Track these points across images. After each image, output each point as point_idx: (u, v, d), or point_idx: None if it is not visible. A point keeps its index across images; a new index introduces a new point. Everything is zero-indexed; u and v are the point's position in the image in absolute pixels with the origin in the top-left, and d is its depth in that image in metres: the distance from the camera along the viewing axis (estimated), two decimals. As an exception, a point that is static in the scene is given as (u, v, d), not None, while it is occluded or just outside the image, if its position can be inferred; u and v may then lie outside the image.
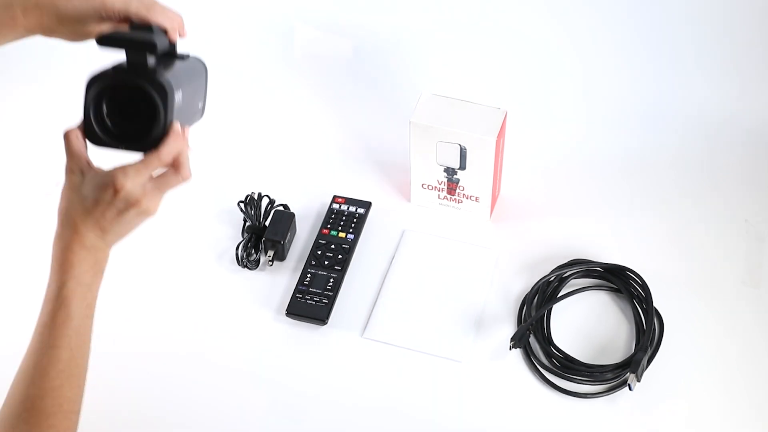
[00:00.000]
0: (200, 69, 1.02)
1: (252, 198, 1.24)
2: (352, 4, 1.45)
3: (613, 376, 1.07)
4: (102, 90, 0.86)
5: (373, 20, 1.45)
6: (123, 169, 0.85)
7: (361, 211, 1.25)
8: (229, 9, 1.49)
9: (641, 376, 1.05)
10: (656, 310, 1.13)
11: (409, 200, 1.29)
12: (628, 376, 1.04)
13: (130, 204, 0.86)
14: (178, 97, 0.85)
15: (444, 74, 1.44)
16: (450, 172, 1.22)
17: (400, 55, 1.45)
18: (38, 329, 0.86)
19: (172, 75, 0.87)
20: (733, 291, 1.17)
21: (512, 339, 1.09)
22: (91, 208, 0.87)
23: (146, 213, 0.87)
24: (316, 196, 1.29)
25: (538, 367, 1.09)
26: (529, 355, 1.10)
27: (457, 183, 1.22)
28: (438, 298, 1.17)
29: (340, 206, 1.26)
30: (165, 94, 0.83)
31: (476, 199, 1.24)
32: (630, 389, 1.04)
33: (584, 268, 1.17)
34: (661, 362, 1.09)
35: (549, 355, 1.10)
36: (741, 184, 1.29)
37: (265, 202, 1.25)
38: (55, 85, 1.48)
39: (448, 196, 1.25)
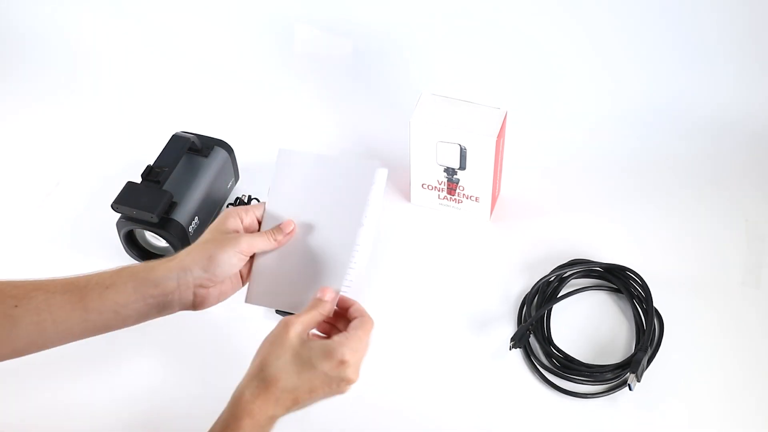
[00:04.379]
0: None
1: (241, 201, 1.23)
2: (352, 4, 1.45)
3: (613, 376, 1.07)
4: None
5: (373, 20, 1.45)
6: (346, 341, 0.85)
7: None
8: (229, 9, 1.49)
9: (641, 376, 1.05)
10: (656, 310, 1.13)
11: (409, 200, 1.29)
12: (628, 376, 1.04)
13: (347, 380, 0.85)
14: None
15: (444, 74, 1.43)
16: (450, 172, 1.22)
17: (400, 55, 1.45)
18: None
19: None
20: (733, 291, 1.17)
21: (512, 339, 1.09)
22: (305, 374, 0.84)
23: (345, 390, 0.87)
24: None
25: (538, 367, 1.09)
26: (529, 355, 1.10)
27: (457, 183, 1.22)
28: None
29: None
30: None
31: (476, 199, 1.23)
32: (630, 389, 1.04)
33: (584, 268, 1.17)
34: (661, 362, 1.09)
35: (549, 355, 1.10)
36: (741, 184, 1.29)
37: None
38: (55, 85, 1.48)
39: (448, 196, 1.25)
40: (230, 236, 0.91)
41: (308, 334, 0.87)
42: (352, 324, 0.87)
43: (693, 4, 1.33)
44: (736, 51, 1.36)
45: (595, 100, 1.39)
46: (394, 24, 1.45)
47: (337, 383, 0.85)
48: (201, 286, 0.90)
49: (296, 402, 0.85)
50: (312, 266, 0.94)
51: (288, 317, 0.87)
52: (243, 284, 0.95)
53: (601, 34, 1.39)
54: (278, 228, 0.94)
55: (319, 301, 0.89)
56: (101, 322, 0.89)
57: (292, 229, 0.94)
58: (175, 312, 0.91)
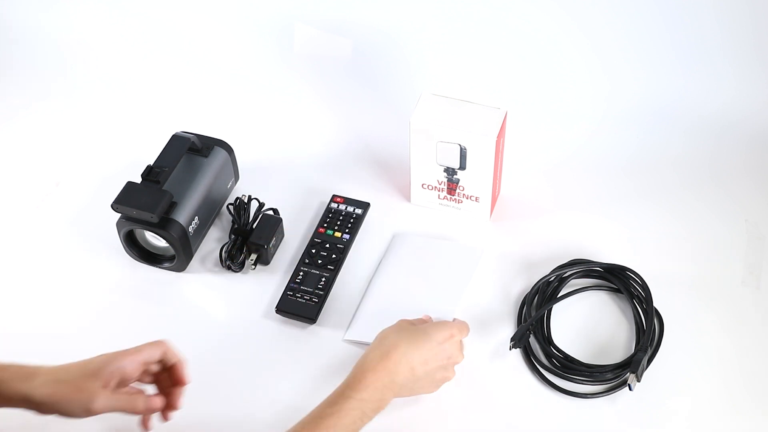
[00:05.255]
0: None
1: (241, 201, 1.23)
2: (352, 4, 1.45)
3: (613, 376, 1.07)
4: None
5: (373, 20, 1.45)
6: (455, 323, 1.04)
7: (359, 211, 1.25)
8: (229, 9, 1.49)
9: (641, 376, 1.05)
10: (656, 310, 1.13)
11: (409, 200, 1.29)
12: (628, 376, 1.04)
13: (454, 357, 1.02)
14: None
15: (444, 74, 1.44)
16: (450, 172, 1.22)
17: (400, 55, 1.45)
18: (307, 419, 0.93)
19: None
20: (733, 291, 1.17)
21: (512, 339, 1.09)
22: (421, 342, 0.99)
23: (448, 378, 1.03)
24: (315, 197, 1.29)
25: (538, 367, 1.09)
26: (529, 355, 1.10)
27: (457, 183, 1.22)
28: (425, 300, 1.16)
29: (338, 206, 1.25)
30: None
31: (476, 199, 1.23)
32: (630, 389, 1.04)
33: (584, 268, 1.17)
34: (661, 362, 1.09)
35: (549, 355, 1.10)
36: (741, 184, 1.29)
37: (254, 205, 1.25)
38: (55, 85, 1.48)
39: (448, 196, 1.25)
40: (91, 389, 0.90)
41: None
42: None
43: (693, 4, 1.33)
44: (737, 51, 1.36)
45: (595, 100, 1.39)
46: (394, 24, 1.45)
47: (447, 359, 1.00)
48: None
49: (413, 371, 0.97)
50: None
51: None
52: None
53: (601, 34, 1.39)
54: (144, 398, 0.94)
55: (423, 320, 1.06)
56: None
57: (158, 407, 0.95)
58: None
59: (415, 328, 1.01)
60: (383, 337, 1.00)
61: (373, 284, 1.18)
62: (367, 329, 1.11)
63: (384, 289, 1.17)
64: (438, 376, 1.01)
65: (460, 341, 1.04)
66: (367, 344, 1.08)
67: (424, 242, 1.22)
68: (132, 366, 0.93)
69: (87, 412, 0.90)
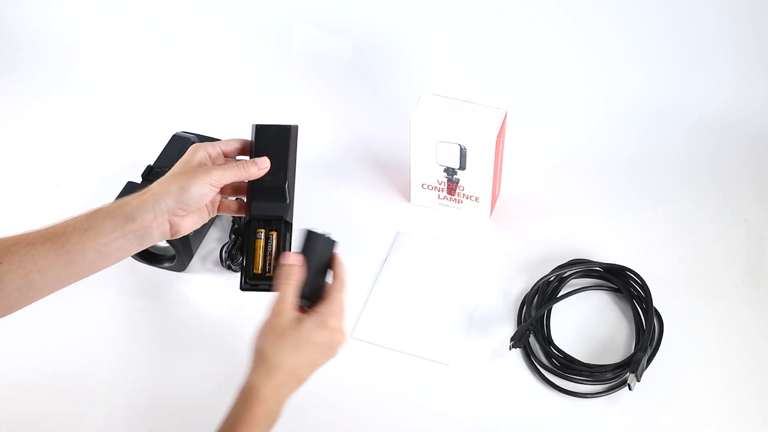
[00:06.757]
0: None
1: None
2: (352, 4, 1.45)
3: (613, 376, 1.07)
4: None
5: (373, 20, 1.45)
6: (331, 308, 0.90)
7: None
8: (229, 9, 1.49)
9: (641, 376, 1.05)
10: (656, 310, 1.13)
11: (409, 200, 1.29)
12: (628, 376, 1.04)
13: (337, 343, 0.90)
14: None
15: (444, 74, 1.43)
16: (450, 172, 1.22)
17: (400, 55, 1.45)
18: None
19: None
20: (733, 291, 1.17)
21: (512, 339, 1.09)
22: (304, 350, 0.88)
23: (336, 353, 0.91)
24: (316, 197, 1.29)
25: (538, 367, 1.09)
26: (529, 355, 1.10)
27: (457, 183, 1.22)
28: (429, 301, 1.16)
29: None
30: None
31: (476, 199, 1.24)
32: (630, 389, 1.04)
33: (584, 268, 1.17)
34: (661, 362, 1.09)
35: (549, 355, 1.10)
36: (741, 184, 1.29)
37: None
38: (55, 85, 1.48)
39: (448, 196, 1.25)
40: (201, 168, 0.95)
41: (295, 310, 0.90)
42: (333, 287, 0.92)
43: (693, 4, 1.33)
44: (737, 51, 1.36)
45: (595, 99, 1.39)
46: (394, 24, 1.45)
47: (330, 348, 0.90)
48: (175, 215, 0.94)
49: (300, 379, 0.89)
50: (418, 321, 1.13)
51: (276, 300, 0.90)
52: (214, 214, 1.01)
53: (601, 34, 1.39)
54: (252, 162, 0.98)
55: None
56: (86, 264, 0.91)
57: (267, 166, 0.99)
58: (155, 242, 0.94)
59: (294, 334, 0.88)
60: (262, 353, 0.88)
61: (379, 283, 1.18)
62: (375, 329, 1.13)
63: (390, 288, 1.18)
64: (323, 363, 0.91)
65: (342, 321, 0.92)
66: (375, 345, 1.11)
67: (429, 243, 1.22)
68: (214, 150, 0.98)
69: (209, 185, 0.94)
